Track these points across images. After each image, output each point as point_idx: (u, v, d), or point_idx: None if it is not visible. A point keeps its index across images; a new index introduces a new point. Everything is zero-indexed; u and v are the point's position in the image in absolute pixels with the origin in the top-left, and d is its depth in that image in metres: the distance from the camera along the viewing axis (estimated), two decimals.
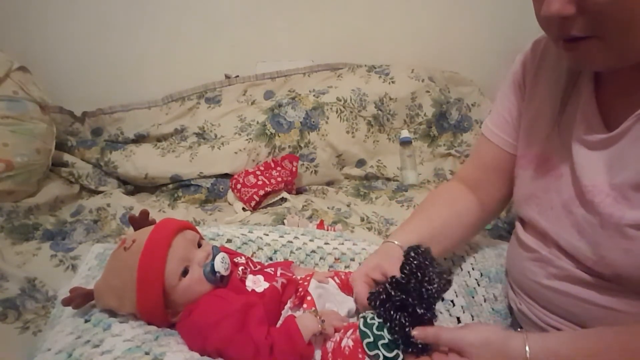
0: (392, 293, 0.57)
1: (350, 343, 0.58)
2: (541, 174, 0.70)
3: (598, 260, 0.59)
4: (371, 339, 0.57)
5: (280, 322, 0.64)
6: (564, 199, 0.65)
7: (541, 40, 0.74)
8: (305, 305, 0.65)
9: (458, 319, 0.76)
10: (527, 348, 0.54)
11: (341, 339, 0.59)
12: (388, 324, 0.57)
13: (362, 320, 0.59)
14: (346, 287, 0.73)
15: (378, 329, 0.57)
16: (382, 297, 0.58)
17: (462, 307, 0.77)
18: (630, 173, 0.56)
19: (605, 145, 0.60)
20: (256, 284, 0.67)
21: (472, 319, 0.76)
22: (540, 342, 0.55)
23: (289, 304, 0.66)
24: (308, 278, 0.69)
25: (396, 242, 0.72)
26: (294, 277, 0.71)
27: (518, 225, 0.77)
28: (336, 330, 0.62)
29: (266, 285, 0.67)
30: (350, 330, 0.60)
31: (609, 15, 0.49)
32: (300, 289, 0.67)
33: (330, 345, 0.61)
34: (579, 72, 0.67)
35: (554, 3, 0.51)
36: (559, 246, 0.66)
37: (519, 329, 0.64)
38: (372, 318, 0.60)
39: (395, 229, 0.80)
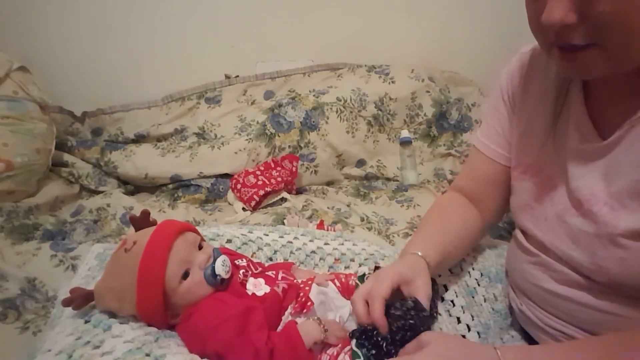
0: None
1: (347, 359, 0.59)
2: (535, 185, 0.70)
3: (595, 269, 0.59)
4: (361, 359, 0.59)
5: (280, 327, 0.64)
6: (558, 209, 0.65)
7: (526, 52, 0.74)
8: (305, 310, 0.65)
9: (458, 319, 0.76)
10: None
11: (338, 354, 0.61)
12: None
13: (354, 340, 0.61)
14: (346, 290, 0.73)
15: (369, 349, 0.60)
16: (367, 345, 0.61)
17: (462, 307, 0.77)
18: (625, 181, 0.56)
19: (600, 154, 0.60)
20: (257, 287, 0.67)
21: (472, 319, 0.76)
22: None
23: (289, 310, 0.66)
24: (309, 282, 0.69)
25: (420, 254, 0.70)
26: (295, 281, 0.70)
27: (518, 230, 0.77)
28: (333, 344, 0.63)
29: (267, 289, 0.67)
30: (348, 347, 0.61)
31: (611, 24, 0.49)
32: (301, 294, 0.67)
33: (325, 358, 0.61)
34: (568, 83, 0.66)
35: (556, 10, 0.50)
36: (557, 255, 0.66)
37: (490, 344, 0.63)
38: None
39: (413, 238, 0.78)
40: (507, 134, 0.78)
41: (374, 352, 0.59)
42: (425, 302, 0.64)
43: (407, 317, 0.61)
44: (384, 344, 0.59)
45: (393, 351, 0.59)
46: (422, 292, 0.64)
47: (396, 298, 0.64)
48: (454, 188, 0.89)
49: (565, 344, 0.64)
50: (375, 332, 0.60)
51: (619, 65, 0.53)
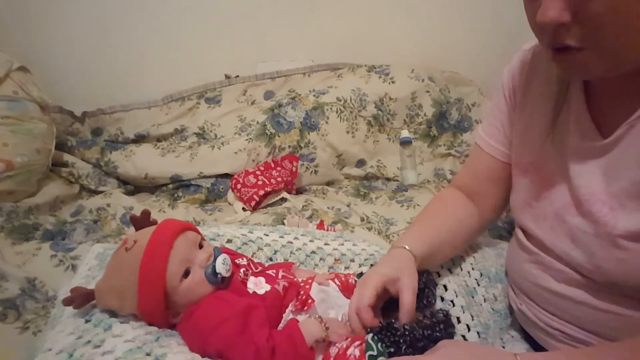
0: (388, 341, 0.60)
1: (357, 353, 0.59)
2: (534, 183, 0.70)
3: (594, 269, 0.59)
4: (375, 353, 0.58)
5: (281, 325, 0.64)
6: (556, 207, 0.65)
7: (528, 49, 0.75)
8: (306, 308, 0.65)
9: (458, 318, 0.76)
10: None
11: (347, 347, 0.60)
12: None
13: (370, 334, 0.61)
14: (346, 289, 0.73)
15: (384, 345, 0.59)
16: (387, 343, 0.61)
17: (462, 307, 0.77)
18: (625, 181, 0.56)
19: (600, 153, 0.60)
20: (257, 285, 0.67)
21: (472, 319, 0.77)
22: None
23: (290, 308, 0.66)
24: (310, 281, 0.69)
25: (407, 248, 0.71)
26: (295, 280, 0.71)
27: (518, 228, 0.77)
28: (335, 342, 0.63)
29: (267, 287, 0.67)
30: (358, 342, 0.61)
31: (604, 25, 0.49)
32: (302, 292, 0.67)
33: (334, 350, 0.61)
34: (569, 81, 0.66)
35: (550, 9, 0.50)
36: (556, 254, 0.66)
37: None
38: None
39: (404, 232, 0.80)
40: (508, 131, 0.78)
41: (392, 349, 0.59)
42: (412, 296, 0.64)
43: (435, 329, 0.61)
44: (404, 347, 0.59)
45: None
46: (407, 289, 0.64)
47: (427, 309, 0.65)
48: (453, 184, 0.90)
49: (586, 349, 0.63)
50: (398, 333, 0.60)
51: (614, 67, 0.54)
